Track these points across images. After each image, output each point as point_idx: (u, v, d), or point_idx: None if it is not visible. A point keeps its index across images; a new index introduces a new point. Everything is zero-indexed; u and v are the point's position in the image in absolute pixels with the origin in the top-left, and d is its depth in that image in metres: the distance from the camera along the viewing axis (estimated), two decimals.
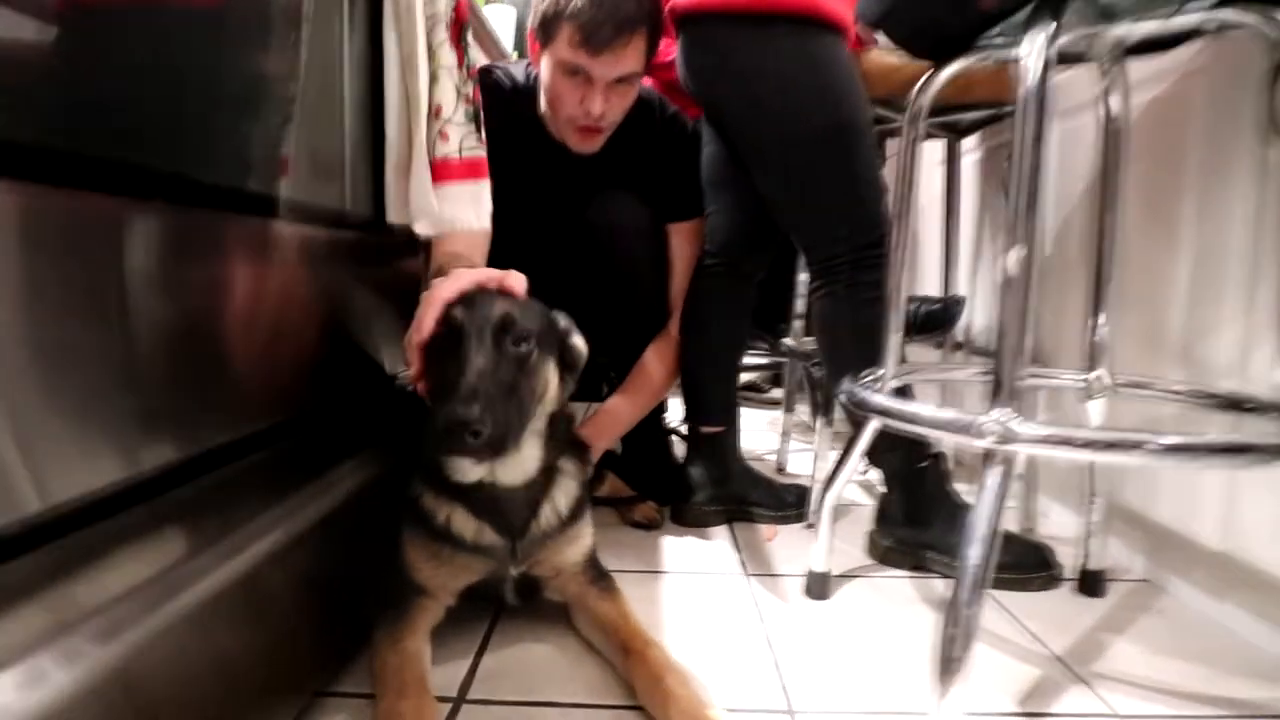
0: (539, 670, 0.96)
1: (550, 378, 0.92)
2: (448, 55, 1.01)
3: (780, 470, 1.93)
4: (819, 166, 1.24)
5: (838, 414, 1.59)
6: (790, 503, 1.54)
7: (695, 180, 1.52)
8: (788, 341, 1.83)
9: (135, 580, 0.51)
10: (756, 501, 1.53)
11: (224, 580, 0.57)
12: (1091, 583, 1.20)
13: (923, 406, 0.88)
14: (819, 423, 1.57)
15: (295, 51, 0.83)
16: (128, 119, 0.58)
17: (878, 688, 0.93)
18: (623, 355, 1.53)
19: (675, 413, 1.80)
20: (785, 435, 1.98)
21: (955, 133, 1.77)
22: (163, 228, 0.59)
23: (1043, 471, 1.51)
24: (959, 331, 1.86)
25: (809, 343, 1.76)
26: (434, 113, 1.00)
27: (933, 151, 1.89)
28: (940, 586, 1.23)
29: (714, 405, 1.54)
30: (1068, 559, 1.24)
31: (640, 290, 1.51)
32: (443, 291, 0.87)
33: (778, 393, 3.07)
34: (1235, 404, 0.96)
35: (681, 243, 1.53)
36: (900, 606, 1.16)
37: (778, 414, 2.62)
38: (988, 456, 0.78)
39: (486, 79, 1.46)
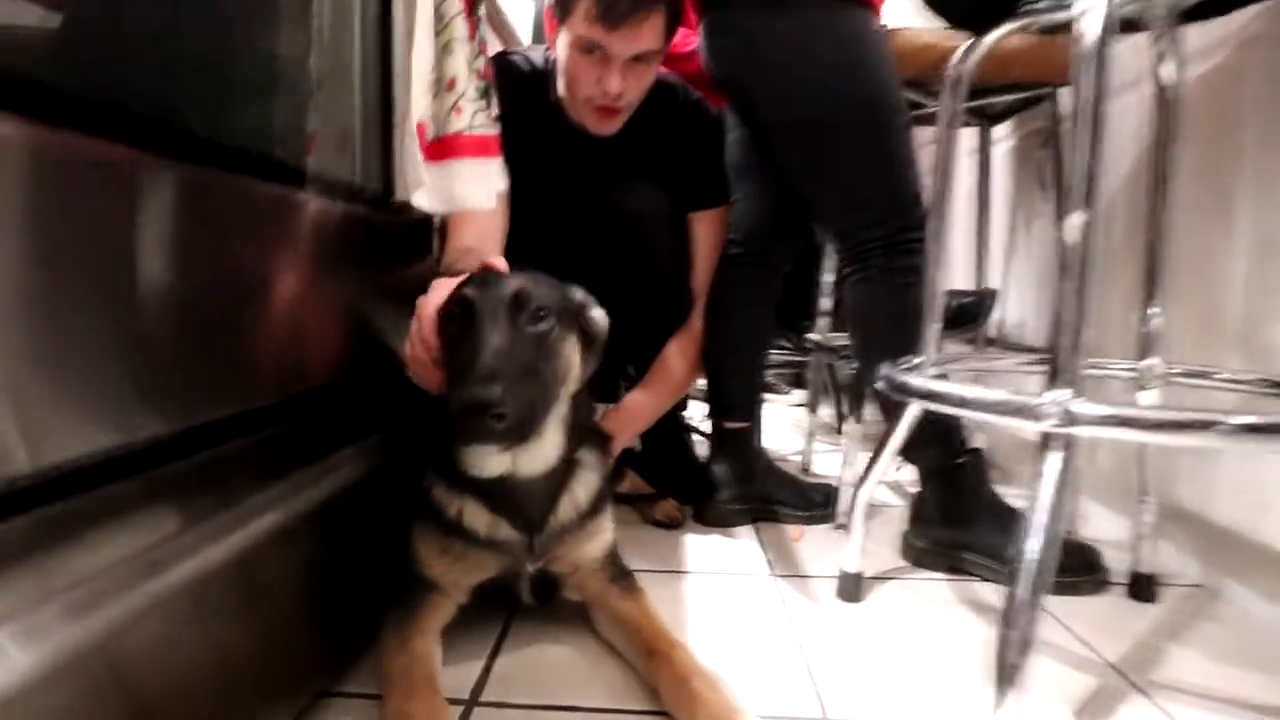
0: (556, 672, 0.90)
1: (572, 355, 0.87)
2: (460, 26, 0.96)
3: (805, 471, 1.86)
4: (850, 145, 1.18)
5: (868, 413, 1.52)
6: (818, 502, 1.47)
7: (719, 167, 1.47)
8: (813, 336, 1.77)
9: (116, 555, 0.46)
10: (782, 501, 1.46)
11: (213, 561, 0.52)
12: (1143, 587, 1.13)
13: (971, 389, 0.81)
14: (848, 424, 1.49)
15: (308, 24, 0.79)
16: (145, 73, 0.54)
17: (918, 695, 0.87)
18: (643, 349, 1.48)
19: (693, 413, 1.75)
20: (810, 435, 1.91)
21: (987, 119, 1.71)
22: (172, 185, 0.55)
23: (1084, 471, 1.44)
24: (991, 326, 1.79)
25: (835, 338, 1.70)
26: (448, 85, 0.96)
27: (963, 140, 1.83)
28: (980, 589, 1.16)
29: (738, 400, 1.47)
30: (1115, 563, 1.17)
31: (662, 280, 1.45)
32: (432, 302, 0.84)
33: (798, 394, 3.01)
34: None
35: (705, 232, 1.48)
36: (938, 609, 1.09)
37: (800, 414, 2.57)
38: (1046, 441, 0.72)
39: (503, 63, 1.42)
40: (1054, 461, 0.70)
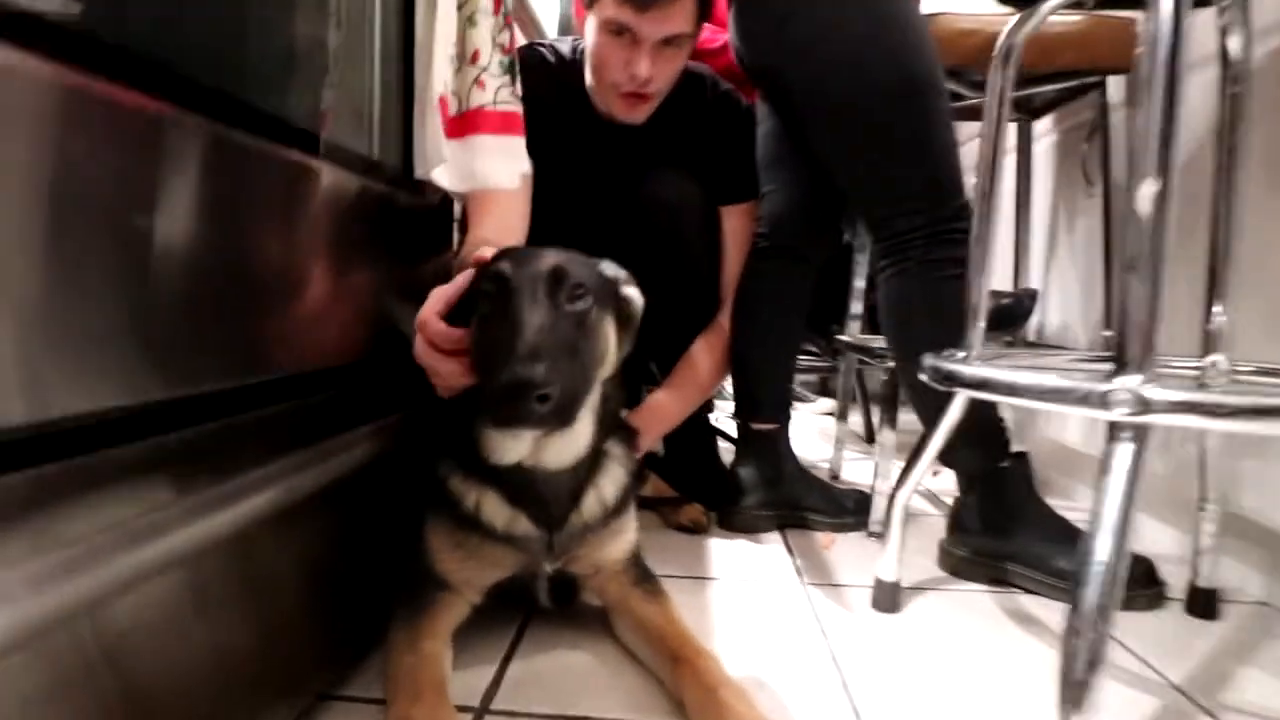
0: (573, 680, 0.84)
1: (609, 336, 0.81)
2: None
3: (834, 478, 1.79)
4: (889, 129, 1.11)
5: (902, 420, 1.44)
6: (849, 509, 1.40)
7: (749, 160, 1.42)
8: (843, 337, 1.70)
9: (97, 522, 0.41)
10: (812, 507, 1.40)
11: (200, 537, 0.47)
12: (1203, 603, 1.05)
13: (1028, 374, 0.75)
14: (882, 433, 1.41)
15: None
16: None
17: (964, 715, 0.80)
18: (669, 347, 1.42)
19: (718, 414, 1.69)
20: (839, 443, 1.83)
21: (1028, 113, 1.64)
22: (194, 141, 0.52)
23: None
24: (1030, 330, 1.72)
25: (867, 340, 1.63)
26: (470, 58, 0.92)
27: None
28: (1026, 602, 1.08)
29: (766, 398, 1.41)
30: (1169, 577, 1.10)
31: (691, 272, 1.40)
32: (430, 307, 0.79)
33: (825, 403, 2.93)
34: None
35: (734, 226, 1.43)
36: (982, 623, 1.02)
37: (827, 423, 2.50)
38: (1114, 431, 0.65)
39: (530, 54, 1.39)
40: (1123, 454, 0.64)
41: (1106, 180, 1.42)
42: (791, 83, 1.20)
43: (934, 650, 0.94)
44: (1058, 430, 1.69)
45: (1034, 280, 1.74)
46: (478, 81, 0.92)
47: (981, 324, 1.00)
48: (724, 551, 1.28)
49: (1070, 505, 1.44)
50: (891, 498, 1.05)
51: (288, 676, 0.69)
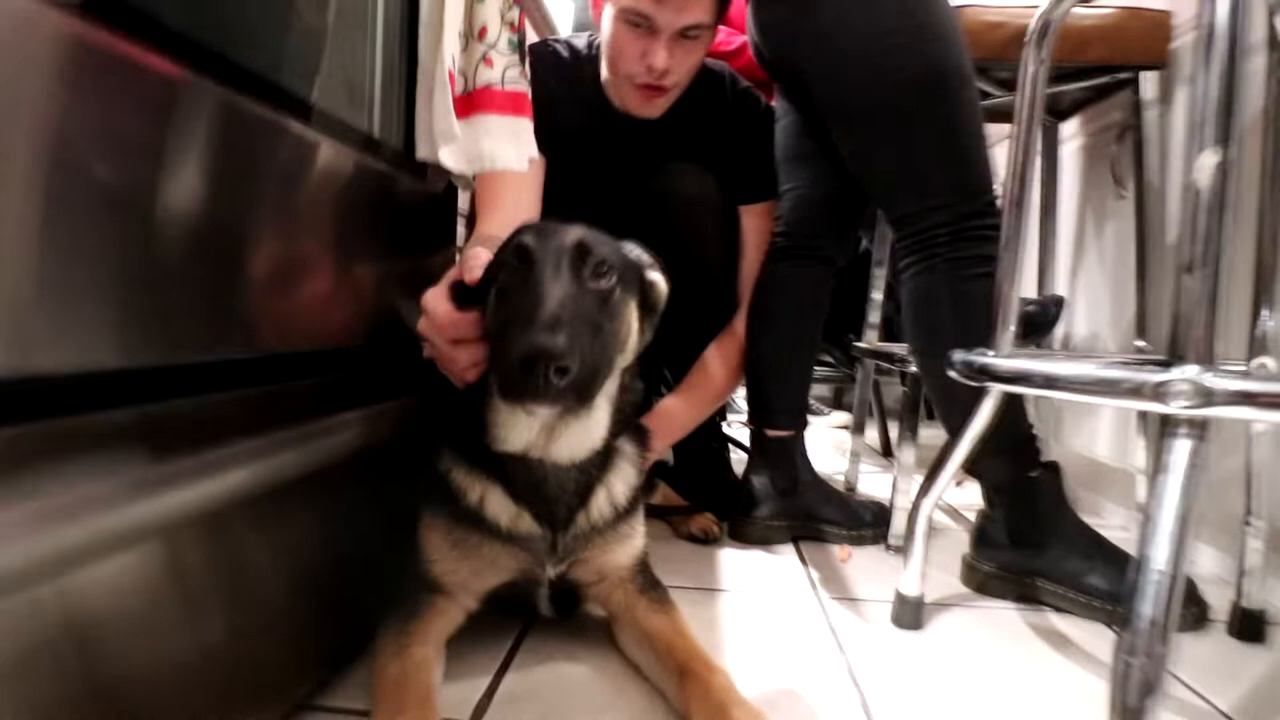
0: (571, 694, 0.78)
1: (632, 320, 0.77)
2: None
3: (850, 490, 1.72)
4: (915, 121, 1.06)
5: (922, 435, 1.38)
6: (867, 521, 1.34)
7: (767, 159, 1.37)
8: (861, 345, 1.65)
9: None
10: (828, 518, 1.33)
11: (171, 509, 0.42)
12: (1248, 625, 0.98)
13: (1072, 365, 0.69)
14: (902, 448, 1.34)
15: None
16: None
17: None
18: (683, 349, 1.37)
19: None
20: (855, 456, 1.77)
21: (1055, 114, 1.59)
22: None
23: None
24: (1055, 339, 1.65)
25: (885, 347, 1.58)
26: (479, 34, 0.87)
27: None
28: (1057, 621, 1.01)
29: (781, 404, 1.35)
30: (1210, 598, 1.03)
31: (708, 270, 1.35)
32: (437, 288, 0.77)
33: (839, 416, 2.87)
34: None
35: (753, 226, 1.39)
36: (1010, 642, 0.96)
37: (842, 436, 2.43)
38: (1167, 425, 0.59)
39: (543, 50, 1.35)
40: (1181, 451, 0.58)
41: (1140, 182, 1.36)
42: (811, 73, 1.15)
43: (959, 670, 0.87)
44: (1086, 443, 1.62)
45: (1060, 287, 1.68)
46: (485, 59, 0.87)
47: (1012, 327, 0.94)
48: (736, 563, 1.22)
49: (1101, 523, 1.37)
50: (915, 507, 0.99)
51: (264, 683, 0.64)
